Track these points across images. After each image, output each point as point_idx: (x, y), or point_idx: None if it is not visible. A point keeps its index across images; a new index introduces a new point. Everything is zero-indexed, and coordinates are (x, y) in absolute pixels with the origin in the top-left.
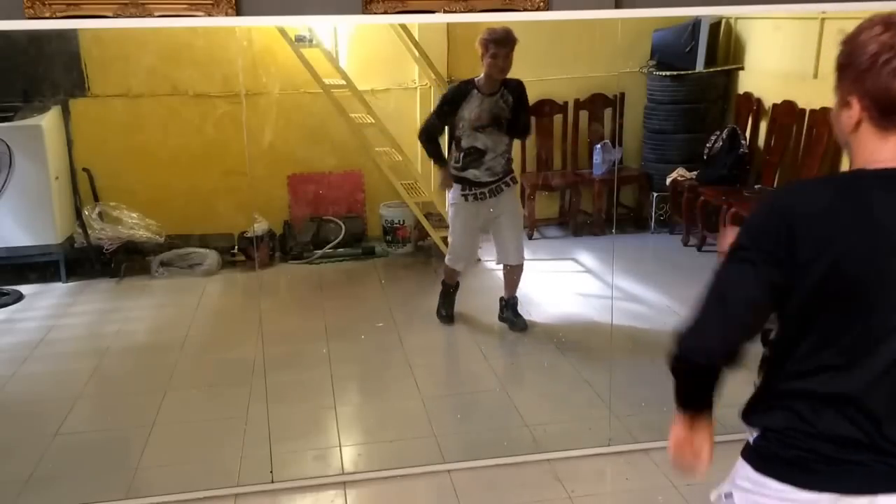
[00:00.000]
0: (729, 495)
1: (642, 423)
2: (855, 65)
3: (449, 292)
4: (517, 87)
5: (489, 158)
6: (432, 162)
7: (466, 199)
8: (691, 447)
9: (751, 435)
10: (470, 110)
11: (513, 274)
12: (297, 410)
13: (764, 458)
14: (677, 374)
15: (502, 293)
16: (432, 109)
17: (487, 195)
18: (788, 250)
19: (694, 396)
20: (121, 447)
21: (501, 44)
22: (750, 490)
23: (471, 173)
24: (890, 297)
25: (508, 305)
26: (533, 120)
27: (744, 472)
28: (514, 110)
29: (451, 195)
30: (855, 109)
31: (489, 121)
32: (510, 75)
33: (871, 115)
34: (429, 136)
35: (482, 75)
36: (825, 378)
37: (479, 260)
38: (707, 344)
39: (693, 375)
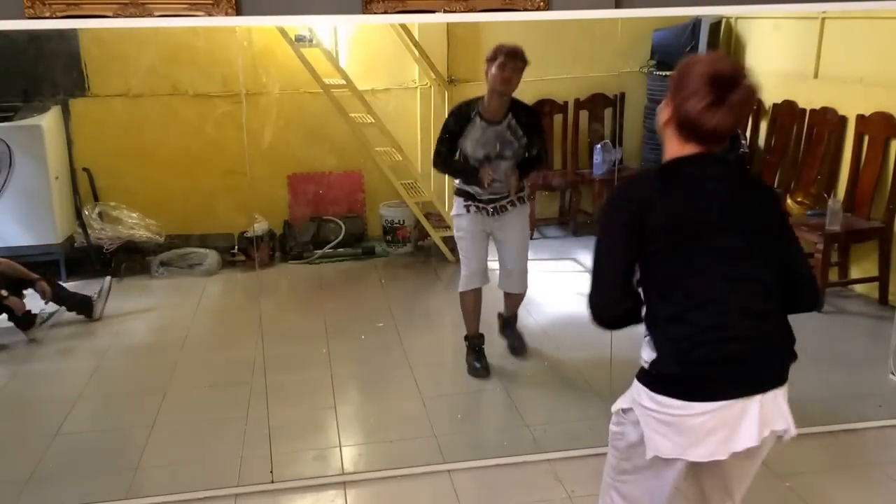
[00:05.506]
0: (628, 410)
1: None
2: (678, 85)
3: (474, 348)
4: (528, 115)
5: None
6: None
7: (468, 210)
8: None
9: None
10: (472, 141)
11: (514, 298)
12: (297, 410)
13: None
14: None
15: (503, 297)
16: (437, 138)
17: (491, 212)
18: (640, 222)
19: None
20: (121, 447)
21: (512, 56)
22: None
23: (473, 189)
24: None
25: (508, 325)
26: None
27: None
28: (526, 139)
29: (455, 206)
30: (668, 113)
31: (495, 155)
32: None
33: (675, 126)
34: (444, 166)
35: (486, 95)
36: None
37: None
38: (603, 301)
39: (608, 326)
